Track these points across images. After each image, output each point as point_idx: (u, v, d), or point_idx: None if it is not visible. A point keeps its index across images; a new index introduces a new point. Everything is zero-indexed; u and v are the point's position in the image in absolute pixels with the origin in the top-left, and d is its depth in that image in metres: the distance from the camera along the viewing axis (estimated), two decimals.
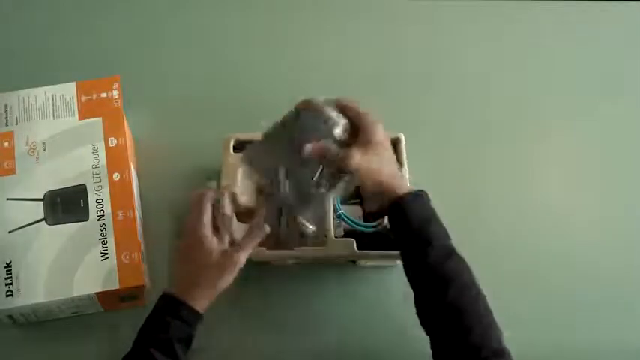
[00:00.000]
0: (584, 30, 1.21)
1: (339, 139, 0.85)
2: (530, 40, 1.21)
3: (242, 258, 0.82)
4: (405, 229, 0.84)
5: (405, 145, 1.01)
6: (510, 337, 0.97)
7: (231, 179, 0.98)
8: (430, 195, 1.03)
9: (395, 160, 0.89)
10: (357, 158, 0.84)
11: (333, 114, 0.85)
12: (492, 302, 0.99)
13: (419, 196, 0.86)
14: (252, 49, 1.18)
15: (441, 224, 0.85)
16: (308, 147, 0.84)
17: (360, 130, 0.86)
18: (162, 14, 1.21)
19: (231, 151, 1.01)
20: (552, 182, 1.10)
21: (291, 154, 0.85)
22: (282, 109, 1.13)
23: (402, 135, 1.01)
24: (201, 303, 0.82)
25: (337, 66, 1.17)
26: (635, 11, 1.23)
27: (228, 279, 0.83)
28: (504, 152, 1.11)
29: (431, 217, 0.85)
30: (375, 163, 0.85)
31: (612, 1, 1.23)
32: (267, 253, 0.93)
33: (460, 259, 0.83)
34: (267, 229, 0.84)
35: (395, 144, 1.01)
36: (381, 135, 0.86)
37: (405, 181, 0.89)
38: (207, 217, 0.84)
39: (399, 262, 0.97)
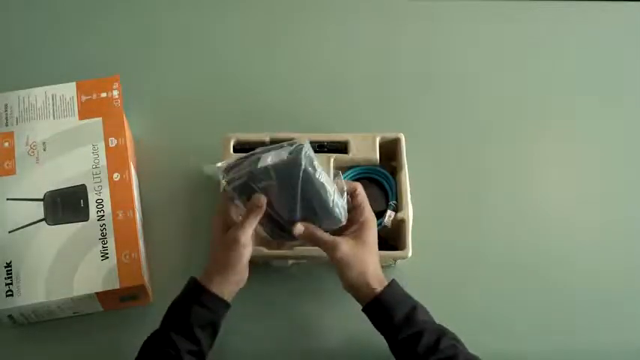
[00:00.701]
0: (584, 30, 1.21)
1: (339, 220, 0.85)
2: (530, 40, 1.20)
3: (241, 234, 0.82)
4: (392, 324, 0.83)
5: (405, 145, 1.01)
6: (510, 337, 0.98)
7: None
8: (430, 195, 1.03)
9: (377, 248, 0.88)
10: (344, 249, 0.84)
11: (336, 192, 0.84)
12: (492, 303, 0.99)
13: (394, 286, 0.85)
14: (252, 49, 1.18)
15: (422, 307, 0.85)
16: (299, 227, 0.84)
17: (353, 213, 0.86)
18: (162, 14, 1.21)
19: (231, 151, 1.01)
20: (552, 182, 1.10)
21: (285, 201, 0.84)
22: (281, 109, 1.13)
23: (402, 135, 1.01)
24: (226, 290, 0.83)
25: (337, 66, 1.17)
26: (635, 11, 1.23)
27: (235, 259, 0.83)
28: (504, 152, 1.11)
29: (415, 305, 0.84)
30: (361, 254, 0.84)
31: (612, 1, 1.23)
32: (266, 253, 0.93)
33: (452, 336, 0.83)
34: (263, 200, 0.83)
35: (395, 144, 1.01)
36: (373, 221, 0.87)
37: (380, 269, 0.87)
38: (223, 212, 0.87)
39: (398, 262, 0.98)
